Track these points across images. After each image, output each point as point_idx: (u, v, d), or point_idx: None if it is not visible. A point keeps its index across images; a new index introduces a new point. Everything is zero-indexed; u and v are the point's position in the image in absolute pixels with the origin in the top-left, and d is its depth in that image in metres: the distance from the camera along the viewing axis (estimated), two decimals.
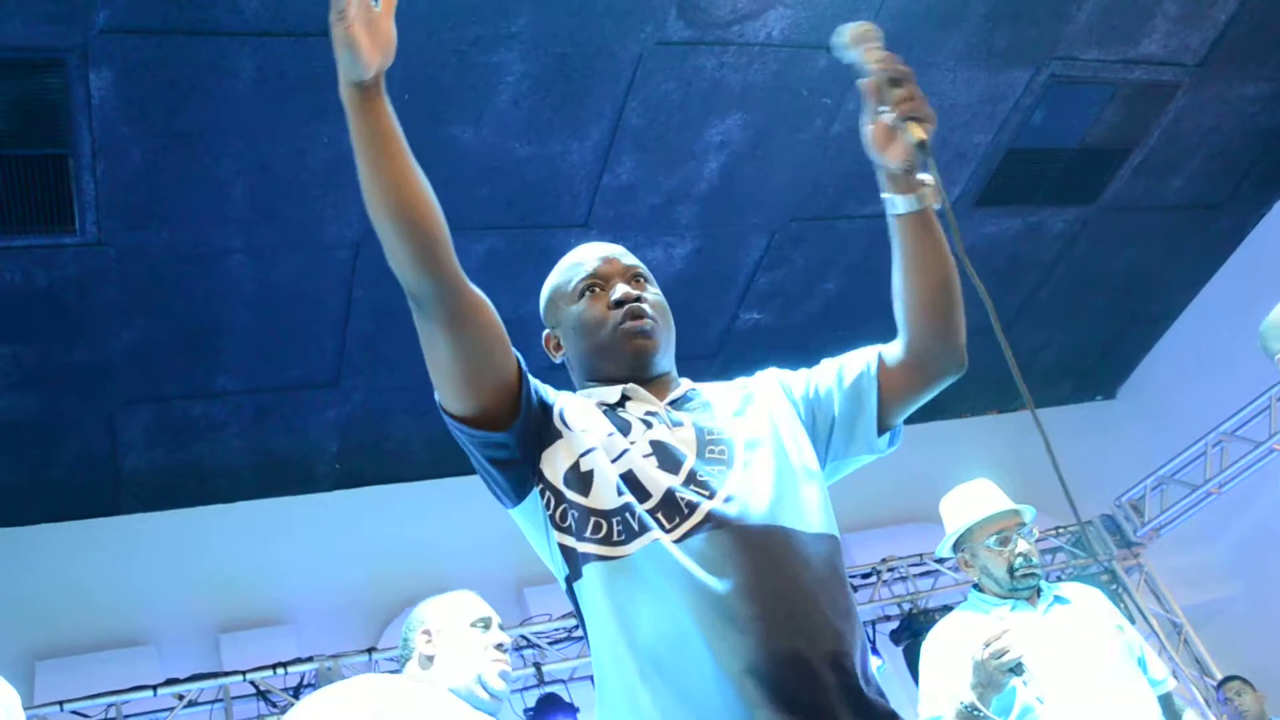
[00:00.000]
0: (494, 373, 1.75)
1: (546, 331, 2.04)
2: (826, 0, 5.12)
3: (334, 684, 2.80)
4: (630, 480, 1.73)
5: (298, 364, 5.79)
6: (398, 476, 6.39)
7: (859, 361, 1.94)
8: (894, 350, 1.93)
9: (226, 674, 5.28)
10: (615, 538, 1.69)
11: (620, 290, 1.95)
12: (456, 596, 2.98)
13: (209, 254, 5.16)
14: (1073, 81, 5.94)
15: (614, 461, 1.76)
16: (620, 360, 1.91)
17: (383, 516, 6.14)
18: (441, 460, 6.32)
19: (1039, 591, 3.58)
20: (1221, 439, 6.74)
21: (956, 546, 3.67)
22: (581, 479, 1.74)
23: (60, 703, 5.03)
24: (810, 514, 1.78)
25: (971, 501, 3.67)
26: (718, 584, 1.62)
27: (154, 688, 5.15)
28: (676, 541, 1.66)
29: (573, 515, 1.73)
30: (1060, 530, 7.21)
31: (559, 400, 1.86)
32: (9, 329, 5.09)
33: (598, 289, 1.98)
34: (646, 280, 2.02)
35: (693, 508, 1.70)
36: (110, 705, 5.12)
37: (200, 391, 5.69)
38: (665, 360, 1.97)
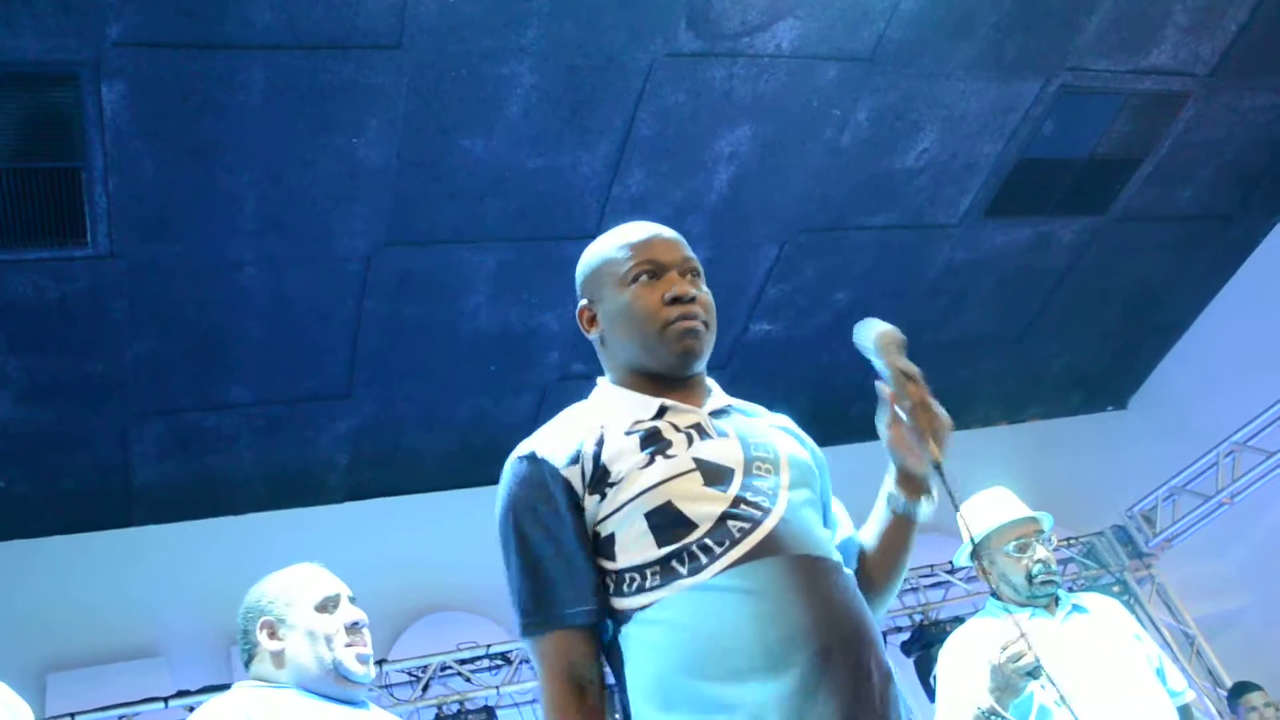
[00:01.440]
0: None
1: (584, 302, 1.96)
2: (836, 12, 5.13)
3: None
4: (671, 512, 1.70)
5: (309, 376, 5.81)
6: (409, 488, 6.40)
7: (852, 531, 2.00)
8: None
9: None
10: (654, 583, 1.68)
11: (677, 287, 1.87)
12: (296, 574, 2.66)
13: (220, 266, 5.18)
14: (1083, 92, 5.94)
15: (651, 491, 1.71)
16: (665, 358, 1.86)
17: (394, 528, 6.14)
18: (453, 472, 6.34)
19: (1057, 600, 3.58)
20: (1233, 449, 6.72)
21: (974, 554, 3.66)
22: (610, 541, 1.73)
23: (71, 715, 5.02)
24: (840, 556, 1.81)
25: (990, 508, 3.67)
26: (779, 610, 1.61)
27: (165, 700, 5.15)
28: (731, 567, 1.64)
29: (610, 579, 1.72)
30: (1072, 541, 7.19)
31: (575, 470, 1.78)
32: (21, 341, 5.11)
33: (651, 276, 1.89)
34: (699, 276, 1.93)
35: (744, 532, 1.67)
36: (121, 718, 5.11)
37: (212, 403, 5.70)
38: (704, 362, 1.93)
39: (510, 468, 1.81)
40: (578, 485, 1.75)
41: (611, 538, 1.72)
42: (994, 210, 6.44)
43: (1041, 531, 3.64)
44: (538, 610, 1.73)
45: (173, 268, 5.08)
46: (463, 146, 5.08)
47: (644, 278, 1.89)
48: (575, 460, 1.76)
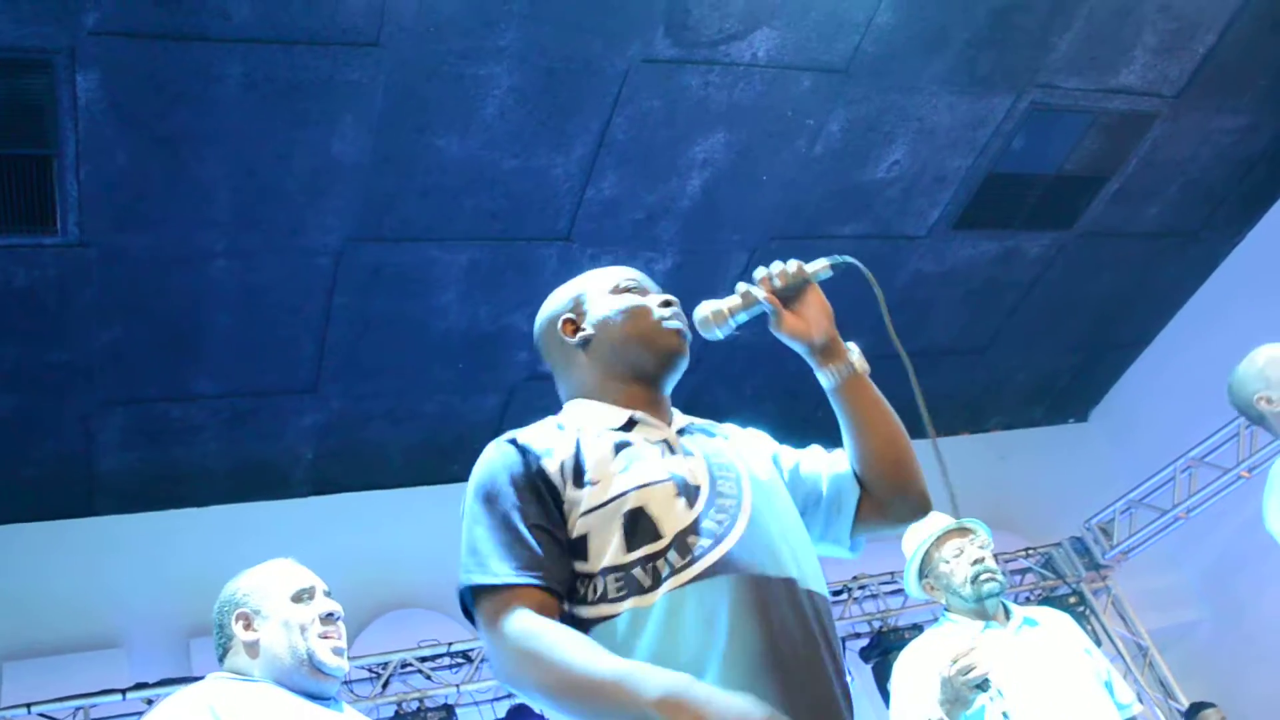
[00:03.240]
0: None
1: (566, 315, 2.03)
2: (812, 22, 5.17)
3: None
4: (641, 518, 1.72)
5: (276, 369, 5.80)
6: (374, 484, 6.39)
7: (845, 464, 2.00)
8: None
9: (197, 678, 5.24)
10: (620, 592, 1.67)
11: (657, 297, 2.02)
12: (271, 568, 2.70)
13: (191, 257, 5.16)
14: (1053, 109, 6.01)
15: (626, 495, 1.73)
16: (656, 351, 1.95)
17: (358, 523, 6.13)
18: (418, 469, 6.34)
19: (1008, 612, 3.63)
20: (1190, 464, 6.81)
21: (921, 575, 3.73)
22: (582, 542, 1.72)
23: (28, 705, 5.00)
24: (810, 569, 1.81)
25: (921, 528, 3.72)
26: (734, 628, 1.62)
27: (123, 691, 5.13)
28: (692, 582, 1.65)
29: (579, 584, 1.71)
30: (1029, 551, 7.27)
31: (553, 461, 1.80)
32: None
33: (637, 292, 2.03)
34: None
35: (705, 550, 1.69)
36: (78, 708, 5.09)
37: (178, 394, 5.68)
38: (682, 371, 2.00)
39: (490, 449, 1.84)
40: (556, 477, 1.77)
41: (584, 539, 1.72)
42: (962, 223, 6.50)
43: (974, 536, 3.70)
44: (502, 563, 1.69)
45: (143, 258, 5.06)
46: (437, 145, 5.09)
47: (635, 287, 2.02)
48: (553, 454, 1.80)
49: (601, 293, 2.03)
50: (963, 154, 6.09)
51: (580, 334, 1.99)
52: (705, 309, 1.97)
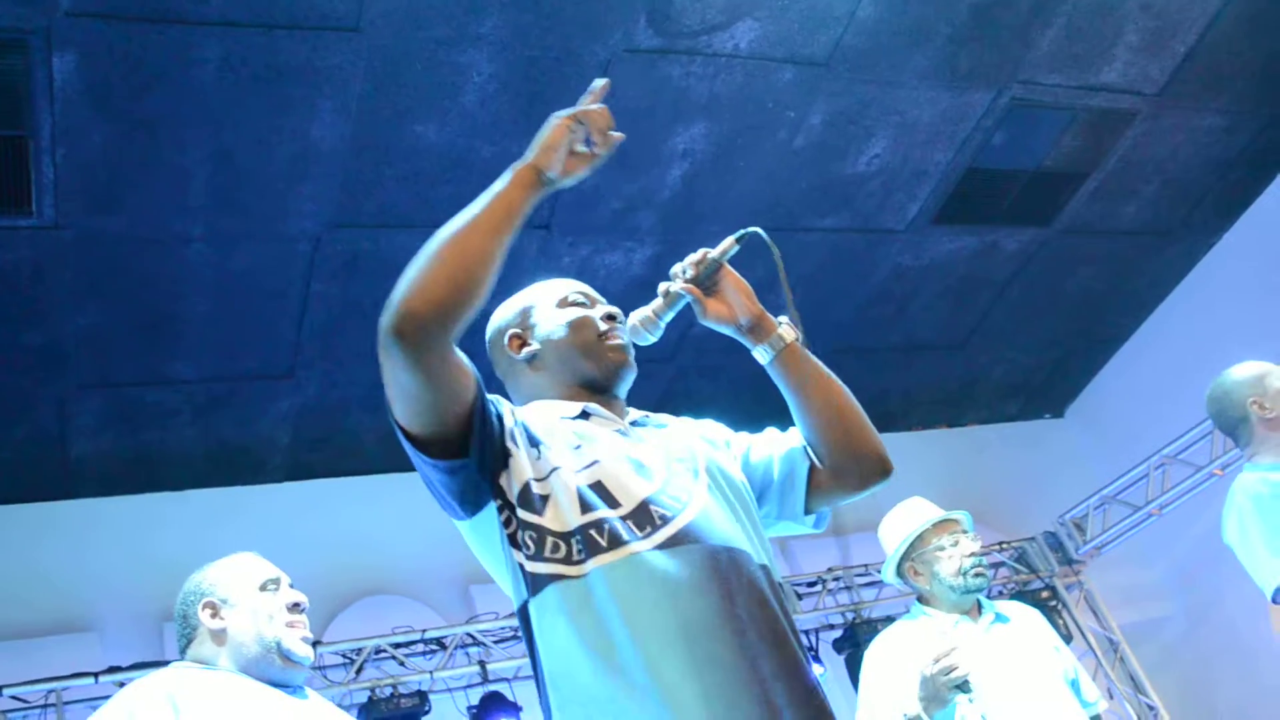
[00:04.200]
0: (458, 401, 1.74)
1: (513, 330, 2.08)
2: (795, 14, 5.16)
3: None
4: (600, 490, 1.76)
5: (253, 354, 5.77)
6: (349, 470, 6.38)
7: (796, 439, 2.04)
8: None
9: (170, 663, 5.25)
10: (589, 550, 1.69)
11: (604, 309, 2.07)
12: (237, 560, 2.71)
13: (168, 241, 5.13)
14: (1033, 105, 6.03)
15: (581, 471, 1.78)
16: (602, 364, 2.00)
17: (333, 509, 6.13)
18: (393, 455, 6.25)
19: (980, 607, 3.65)
20: (1164, 462, 6.86)
21: (903, 559, 3.73)
22: (542, 500, 1.75)
23: (0, 687, 4.99)
24: (763, 547, 1.84)
25: (914, 513, 3.73)
26: (696, 596, 1.66)
27: (96, 675, 5.11)
28: (656, 549, 1.69)
29: (528, 536, 1.73)
30: (1003, 545, 7.31)
31: (517, 416, 1.87)
32: None
33: (584, 305, 2.07)
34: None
35: (666, 520, 1.73)
36: (50, 691, 5.07)
37: (153, 378, 5.65)
38: (631, 381, 2.05)
39: None
40: (510, 431, 1.82)
41: (544, 498, 1.75)
42: (941, 218, 6.52)
43: (966, 530, 3.72)
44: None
45: (119, 241, 5.03)
46: (416, 132, 5.07)
47: (580, 302, 2.07)
48: (513, 415, 1.87)
49: (548, 306, 2.07)
50: (943, 149, 6.10)
51: (526, 349, 2.05)
52: (633, 318, 2.03)
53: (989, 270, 7.04)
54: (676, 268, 2.04)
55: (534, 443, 1.82)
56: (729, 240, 2.04)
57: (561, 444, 1.82)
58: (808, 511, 2.02)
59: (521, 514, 1.75)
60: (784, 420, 2.09)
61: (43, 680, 5.06)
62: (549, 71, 5.00)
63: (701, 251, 2.05)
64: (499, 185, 1.75)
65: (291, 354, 5.79)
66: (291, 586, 2.68)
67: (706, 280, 2.03)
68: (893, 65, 5.56)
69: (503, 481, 1.78)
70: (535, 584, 1.72)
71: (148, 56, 4.46)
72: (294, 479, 6.32)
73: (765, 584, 1.75)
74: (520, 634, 1.79)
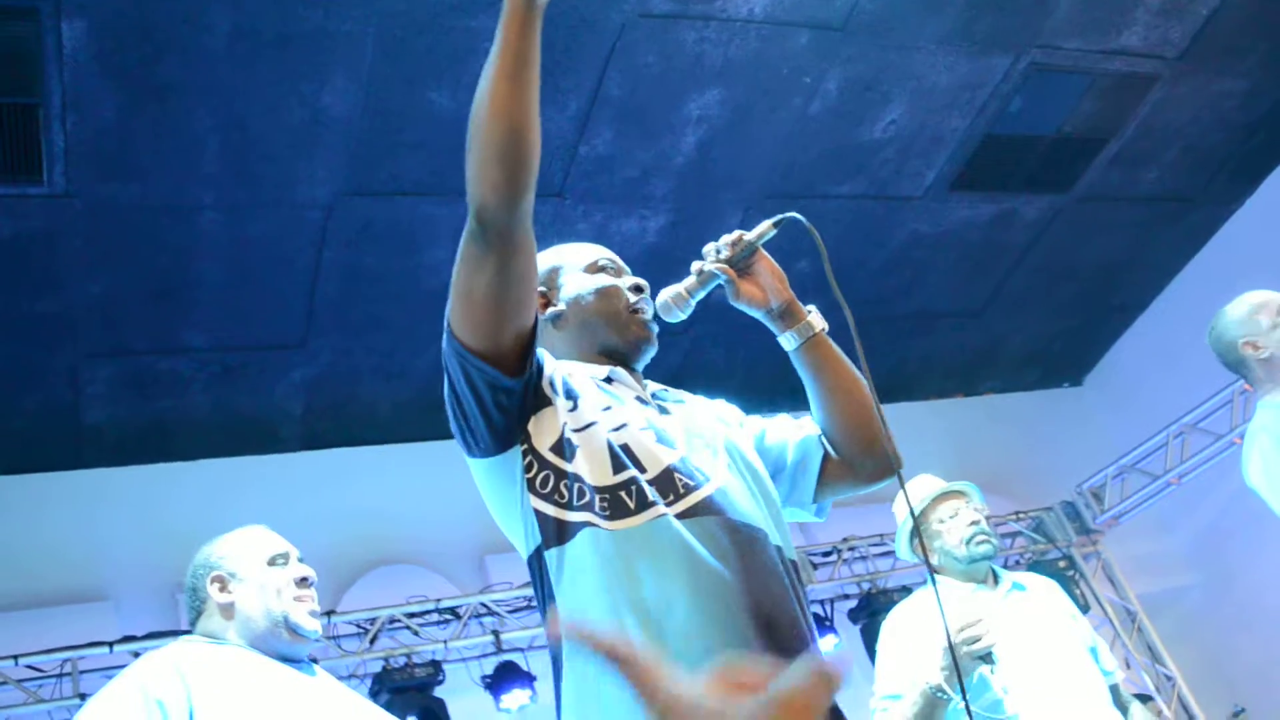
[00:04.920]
0: (521, 316, 1.75)
1: (540, 289, 2.04)
2: None
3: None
4: (628, 453, 1.77)
5: (265, 323, 5.76)
6: (363, 439, 6.37)
7: (811, 428, 2.06)
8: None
9: (184, 632, 5.25)
10: (616, 510, 1.70)
11: (631, 279, 2.07)
12: (246, 533, 2.72)
13: (179, 209, 5.11)
14: (1052, 70, 5.95)
15: (613, 431, 1.79)
16: (625, 334, 2.00)
17: (346, 479, 6.12)
18: (407, 424, 6.31)
19: (996, 576, 3.62)
20: (1183, 430, 6.81)
21: (912, 535, 3.71)
22: (576, 450, 1.76)
23: (15, 657, 5.00)
24: (783, 531, 1.86)
25: (917, 490, 3.72)
26: (714, 565, 1.67)
27: (110, 644, 5.12)
28: (678, 517, 1.71)
29: (560, 483, 1.74)
30: (1020, 515, 7.27)
31: (553, 366, 1.88)
32: None
33: (614, 272, 2.07)
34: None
35: (689, 489, 1.75)
36: (65, 660, 5.09)
37: (166, 347, 5.64)
38: (647, 361, 2.06)
39: None
40: (551, 377, 1.85)
41: (577, 449, 1.76)
42: (959, 184, 6.45)
43: (969, 499, 3.70)
44: None
45: (130, 209, 5.01)
46: (429, 99, 5.03)
47: (609, 269, 2.06)
48: (553, 363, 1.89)
49: (576, 269, 2.07)
50: (960, 114, 6.04)
51: (551, 309, 2.03)
52: (665, 295, 2.02)
53: (1007, 238, 6.98)
54: (709, 247, 2.04)
55: (569, 394, 1.83)
56: (766, 224, 2.03)
57: (594, 402, 1.84)
58: (814, 500, 2.04)
59: (552, 460, 1.76)
60: (797, 397, 2.08)
61: (58, 650, 5.08)
62: (563, 36, 4.95)
63: (737, 233, 2.04)
64: (498, 33, 1.70)
65: (304, 323, 5.77)
66: (301, 560, 2.68)
67: (741, 262, 2.03)
68: (909, 30, 5.49)
69: (531, 426, 1.79)
70: (561, 531, 1.72)
71: (158, 23, 4.42)
72: (307, 448, 6.31)
73: (779, 564, 1.77)
74: (533, 581, 1.79)
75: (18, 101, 4.50)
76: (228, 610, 2.57)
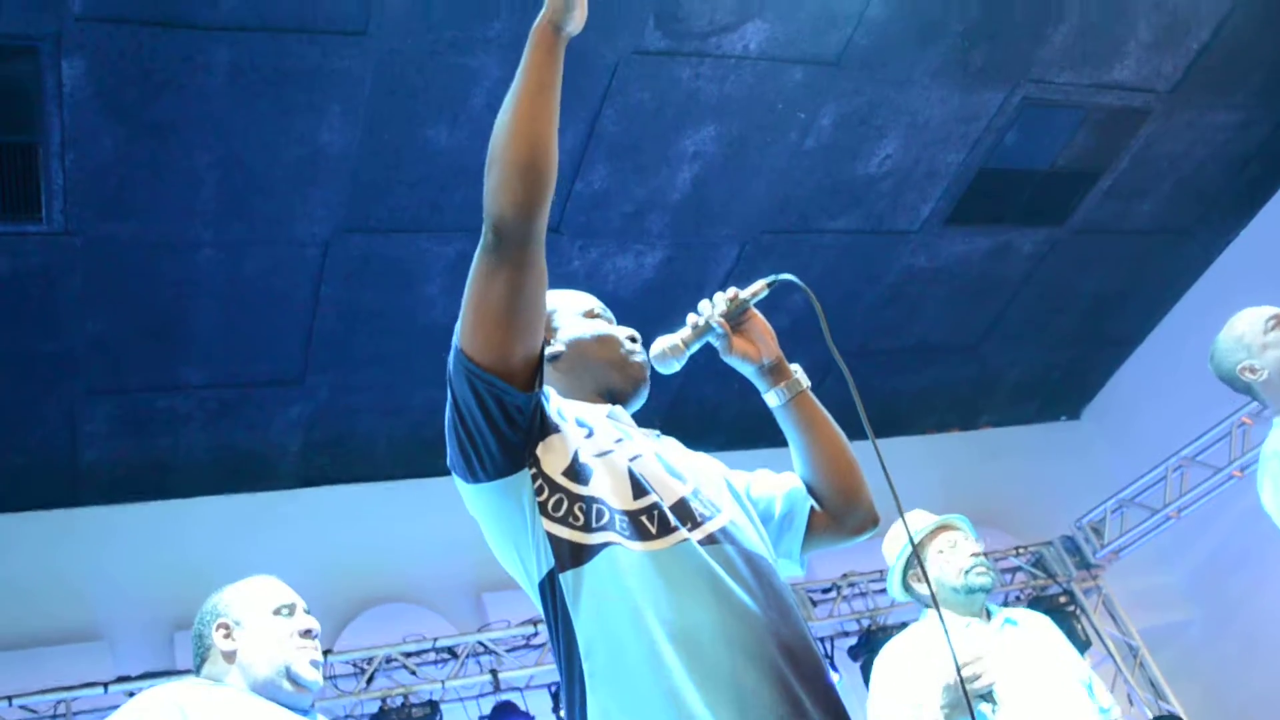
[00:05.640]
0: (530, 336, 1.78)
1: None
2: (804, 15, 5.13)
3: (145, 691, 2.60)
4: (646, 480, 1.80)
5: (263, 360, 5.76)
6: (361, 476, 6.35)
7: (796, 481, 2.10)
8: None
9: (180, 672, 5.23)
10: (638, 533, 1.73)
11: (626, 330, 2.13)
12: (254, 582, 2.75)
13: (177, 246, 5.12)
14: (1046, 104, 5.98)
15: (631, 461, 1.83)
16: (623, 379, 2.06)
17: (343, 516, 6.10)
18: (405, 461, 6.30)
19: (988, 612, 3.60)
20: (1182, 463, 6.79)
21: (906, 570, 3.69)
22: (593, 474, 1.78)
23: (9, 697, 4.96)
24: (778, 566, 1.91)
25: (912, 523, 3.70)
26: (739, 591, 1.70)
27: (105, 684, 5.09)
28: (697, 543, 1.74)
29: (575, 506, 1.75)
30: (1020, 550, 7.25)
31: (559, 400, 1.92)
32: None
33: (606, 321, 2.13)
34: None
35: (704, 519, 1.79)
36: (60, 701, 5.06)
37: (164, 384, 5.64)
38: (638, 407, 2.10)
39: None
40: (559, 409, 1.88)
41: (595, 473, 1.79)
42: (954, 218, 6.47)
43: (964, 532, 3.68)
44: None
45: (128, 246, 5.02)
46: (426, 136, 5.05)
47: (604, 317, 2.14)
48: (557, 397, 1.93)
49: (573, 314, 2.12)
50: (955, 149, 6.06)
51: (550, 348, 2.05)
52: (661, 344, 2.04)
53: (1003, 271, 6.99)
54: (705, 304, 2.08)
55: (581, 424, 1.87)
56: (760, 283, 2.09)
57: (607, 433, 1.88)
58: (800, 552, 2.08)
59: (565, 484, 1.77)
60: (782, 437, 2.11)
61: (52, 690, 5.05)
62: None
63: (733, 290, 2.09)
64: (524, 57, 1.80)
65: (302, 359, 5.77)
66: (307, 612, 2.71)
67: (734, 319, 2.08)
68: (903, 65, 5.52)
69: (540, 450, 1.80)
70: (578, 553, 1.73)
71: (157, 62, 4.45)
72: (305, 485, 6.30)
73: (788, 595, 1.80)
74: (544, 606, 1.77)
75: (17, 140, 4.52)
76: (230, 657, 2.59)
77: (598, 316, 2.13)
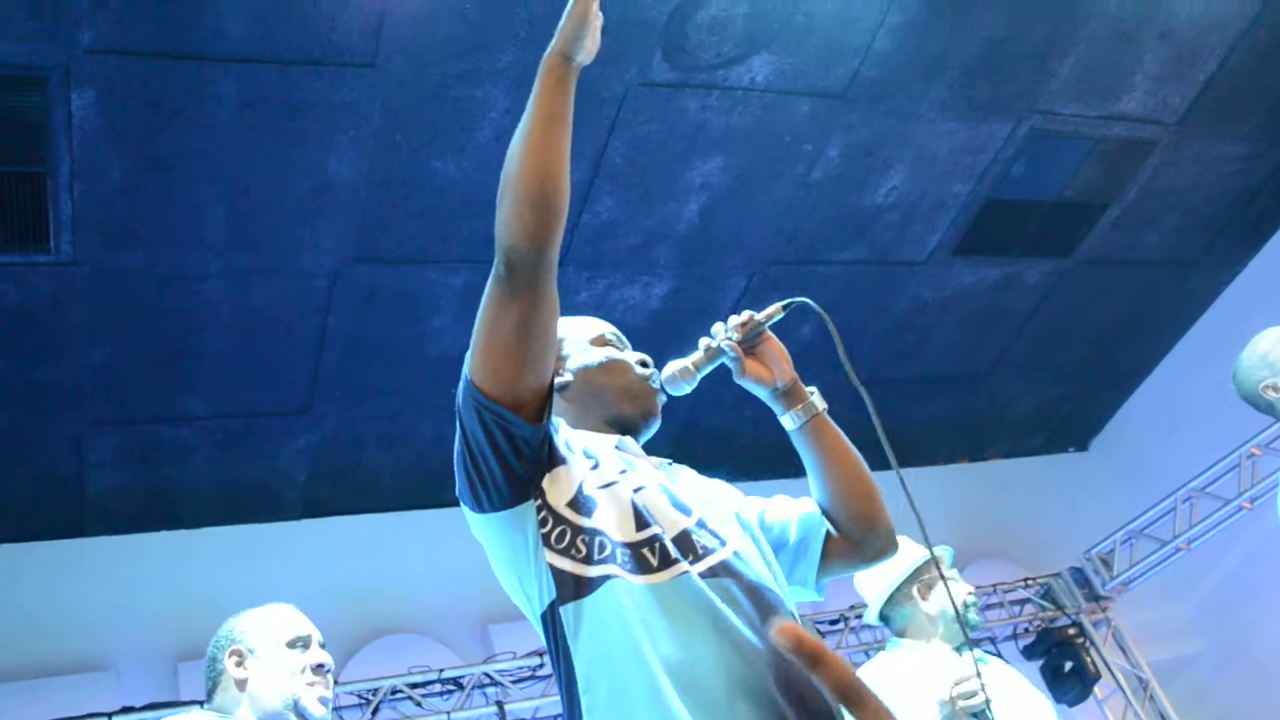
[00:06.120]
0: (540, 368, 1.77)
1: None
2: (811, 48, 5.15)
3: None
4: (649, 512, 1.79)
5: (269, 390, 5.75)
6: (367, 507, 6.34)
7: (811, 507, 2.06)
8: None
9: (185, 703, 5.20)
10: (639, 565, 1.72)
11: (636, 355, 2.11)
12: (272, 611, 2.74)
13: (185, 277, 5.13)
14: (1053, 135, 5.99)
15: (635, 492, 1.81)
16: (634, 405, 2.04)
17: (349, 547, 6.08)
18: (410, 492, 6.29)
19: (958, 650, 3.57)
20: (1191, 495, 6.76)
21: (890, 602, 3.65)
22: (596, 506, 1.78)
23: None
24: (788, 598, 1.87)
25: (904, 552, 3.65)
26: (741, 626, 1.67)
27: (110, 715, 5.06)
28: (698, 576, 1.72)
29: (578, 539, 1.75)
30: (1029, 582, 7.21)
31: (566, 431, 1.91)
32: None
33: (617, 346, 2.11)
34: None
35: (707, 551, 1.77)
36: None
37: (170, 415, 5.64)
38: (649, 436, 2.08)
39: None
40: (568, 440, 1.87)
41: (598, 505, 1.78)
42: (962, 249, 6.48)
43: (949, 565, 3.66)
44: None
45: (136, 277, 5.03)
46: (433, 167, 5.06)
47: (614, 342, 2.11)
48: (565, 429, 1.92)
49: (582, 341, 2.10)
50: (962, 180, 6.07)
51: (559, 378, 2.03)
52: (673, 367, 2.04)
53: (1010, 302, 6.99)
54: (718, 326, 2.07)
55: (588, 455, 1.86)
56: (776, 306, 2.08)
57: (613, 465, 1.86)
58: (817, 579, 2.04)
59: (569, 515, 1.77)
60: (797, 463, 2.09)
61: None
62: None
63: (747, 313, 2.07)
64: (535, 87, 1.80)
65: (308, 390, 5.77)
66: (322, 645, 2.70)
67: (748, 341, 2.06)
68: (910, 97, 5.54)
69: (546, 482, 1.80)
70: (579, 586, 1.72)
71: (166, 93, 4.47)
72: (311, 516, 6.28)
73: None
74: (546, 639, 1.78)
75: (26, 170, 4.53)
76: (241, 685, 2.59)
77: (608, 343, 2.11)
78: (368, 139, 4.84)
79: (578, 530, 1.75)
